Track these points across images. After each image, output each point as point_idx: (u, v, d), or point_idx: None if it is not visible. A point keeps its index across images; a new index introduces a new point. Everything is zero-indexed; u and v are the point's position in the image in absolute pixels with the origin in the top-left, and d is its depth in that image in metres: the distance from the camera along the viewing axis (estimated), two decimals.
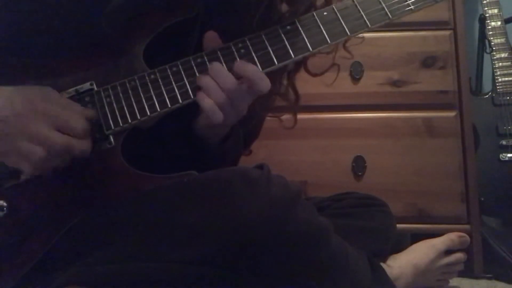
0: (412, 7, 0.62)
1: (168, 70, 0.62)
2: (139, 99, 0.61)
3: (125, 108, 0.61)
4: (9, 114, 0.54)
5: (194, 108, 0.63)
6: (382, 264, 0.88)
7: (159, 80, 0.61)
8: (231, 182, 0.58)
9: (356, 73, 1.21)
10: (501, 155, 1.25)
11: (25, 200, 0.59)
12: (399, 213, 1.13)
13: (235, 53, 0.62)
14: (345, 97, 1.22)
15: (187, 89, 0.61)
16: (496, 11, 1.32)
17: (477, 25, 1.40)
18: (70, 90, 0.61)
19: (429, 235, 1.05)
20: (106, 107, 0.61)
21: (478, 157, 1.22)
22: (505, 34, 1.31)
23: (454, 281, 1.05)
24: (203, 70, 0.61)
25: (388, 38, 1.22)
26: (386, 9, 0.62)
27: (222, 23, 0.67)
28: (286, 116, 0.82)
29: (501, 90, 1.29)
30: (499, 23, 1.32)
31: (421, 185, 1.18)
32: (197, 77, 0.61)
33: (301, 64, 0.75)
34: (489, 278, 1.13)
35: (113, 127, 0.61)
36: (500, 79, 1.30)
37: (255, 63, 0.61)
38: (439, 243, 1.01)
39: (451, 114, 1.19)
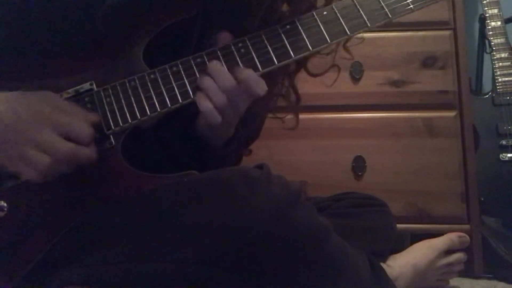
0: (411, 6, 0.63)
1: (168, 70, 0.62)
2: (139, 99, 0.61)
3: (125, 108, 0.61)
4: (13, 121, 0.53)
5: (194, 108, 0.63)
6: (382, 264, 0.87)
7: (159, 80, 0.61)
8: (231, 182, 0.58)
9: (356, 73, 1.21)
10: (501, 155, 1.25)
11: (25, 200, 0.59)
12: (399, 213, 1.13)
13: (235, 53, 0.62)
14: (345, 97, 1.21)
15: (187, 89, 0.61)
16: (496, 11, 1.32)
17: (477, 25, 1.40)
18: (70, 90, 0.61)
19: (429, 235, 1.05)
20: (106, 107, 0.61)
21: (478, 157, 1.22)
22: (505, 34, 1.31)
23: (454, 281, 1.05)
24: (203, 70, 0.61)
25: (388, 38, 1.22)
26: (385, 9, 0.62)
27: (222, 23, 0.67)
28: (287, 117, 0.82)
29: (501, 90, 1.29)
30: (499, 23, 1.32)
31: (421, 185, 1.18)
32: (198, 78, 0.61)
33: (301, 64, 0.75)
34: (489, 278, 1.13)
35: (113, 127, 0.61)
36: (500, 79, 1.30)
37: (255, 63, 0.61)
38: (439, 243, 1.01)
39: (451, 114, 1.19)
